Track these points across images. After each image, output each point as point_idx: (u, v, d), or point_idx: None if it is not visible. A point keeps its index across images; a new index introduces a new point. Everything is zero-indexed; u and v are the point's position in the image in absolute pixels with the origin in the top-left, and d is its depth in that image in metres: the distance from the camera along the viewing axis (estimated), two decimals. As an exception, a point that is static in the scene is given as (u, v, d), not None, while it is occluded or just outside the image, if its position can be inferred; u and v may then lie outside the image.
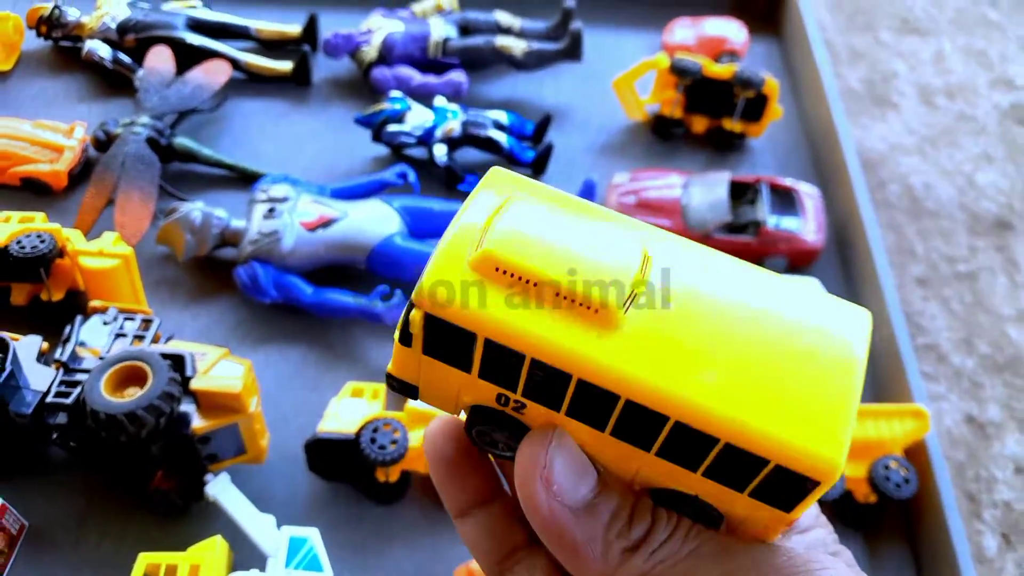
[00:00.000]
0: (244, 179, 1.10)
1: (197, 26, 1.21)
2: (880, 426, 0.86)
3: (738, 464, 0.30)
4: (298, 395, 0.93)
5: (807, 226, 1.04)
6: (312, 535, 0.76)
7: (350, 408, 0.84)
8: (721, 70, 1.12)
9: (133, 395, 0.70)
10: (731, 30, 1.28)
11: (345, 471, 0.84)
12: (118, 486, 0.83)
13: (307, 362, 0.96)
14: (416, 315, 0.32)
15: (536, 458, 0.33)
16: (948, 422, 1.07)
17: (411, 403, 0.83)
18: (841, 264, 1.09)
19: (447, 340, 0.32)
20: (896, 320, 0.97)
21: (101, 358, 0.77)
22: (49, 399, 0.73)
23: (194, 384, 0.75)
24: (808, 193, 1.08)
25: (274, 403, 0.92)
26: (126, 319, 0.82)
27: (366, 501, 0.86)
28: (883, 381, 0.98)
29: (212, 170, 1.11)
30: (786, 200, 1.07)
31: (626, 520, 0.34)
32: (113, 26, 1.17)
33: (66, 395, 0.74)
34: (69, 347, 0.77)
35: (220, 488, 0.78)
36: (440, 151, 1.10)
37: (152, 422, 0.69)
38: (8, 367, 0.74)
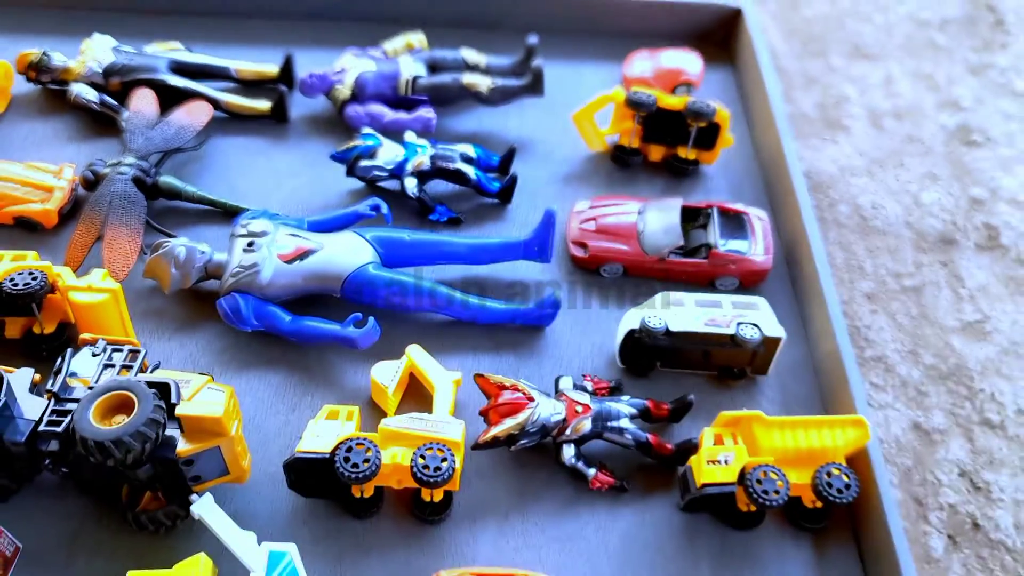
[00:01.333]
0: (226, 214, 1.16)
1: (179, 68, 1.28)
2: (823, 436, 0.92)
3: None
4: (278, 417, 0.99)
5: (755, 248, 1.11)
6: (290, 550, 0.81)
7: (326, 429, 0.89)
8: (674, 102, 1.19)
9: (121, 422, 0.76)
10: (687, 61, 1.35)
11: (323, 488, 0.89)
12: (107, 508, 0.88)
13: (287, 386, 1.01)
14: None
15: None
16: (895, 429, 1.14)
17: (384, 423, 0.89)
18: (790, 283, 1.16)
19: None
20: (840, 335, 1.04)
21: (90, 388, 0.82)
22: (41, 428, 0.79)
23: (179, 410, 0.80)
24: (757, 216, 1.15)
25: (256, 425, 0.97)
26: (114, 350, 0.88)
27: (343, 516, 0.91)
28: (829, 393, 1.04)
29: (197, 206, 1.17)
30: (736, 223, 1.13)
31: None
32: (99, 70, 1.24)
33: (57, 424, 0.79)
34: (60, 378, 0.83)
35: (204, 508, 0.83)
36: (411, 184, 1.16)
37: (138, 447, 0.74)
38: (3, 398, 0.79)
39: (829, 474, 0.89)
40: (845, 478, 0.90)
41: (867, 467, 0.95)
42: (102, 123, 1.25)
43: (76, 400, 0.81)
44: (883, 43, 1.66)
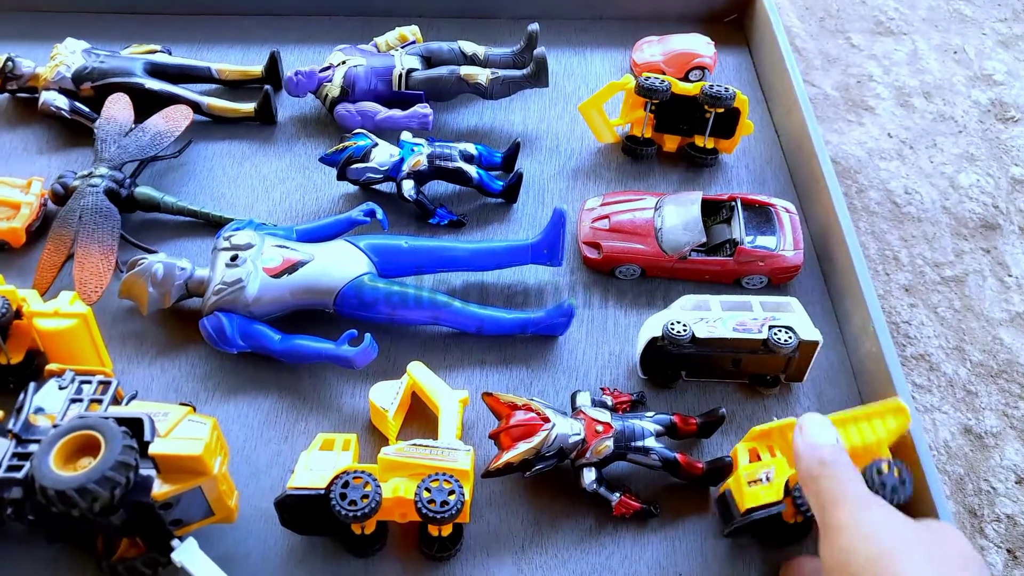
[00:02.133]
0: (210, 225, 1.08)
1: (156, 71, 1.19)
2: (863, 431, 0.80)
3: None
4: (270, 447, 0.90)
5: (785, 243, 1.02)
6: (283, 599, 0.73)
7: (320, 461, 0.81)
8: (689, 88, 1.10)
9: (87, 466, 0.67)
10: (699, 45, 1.26)
11: (320, 525, 0.81)
12: (82, 556, 0.80)
13: (278, 411, 0.93)
14: None
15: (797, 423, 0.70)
16: (944, 434, 1.04)
17: (383, 452, 0.81)
18: (822, 278, 1.07)
19: None
20: (881, 335, 0.94)
21: (55, 426, 0.74)
22: (0, 474, 0.71)
23: (153, 449, 0.72)
24: (785, 208, 1.06)
25: (246, 456, 0.89)
26: (83, 382, 0.79)
27: (343, 555, 0.83)
28: (871, 397, 0.95)
29: (177, 217, 1.09)
30: (762, 217, 1.04)
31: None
32: (69, 75, 1.15)
33: (18, 469, 0.71)
34: (22, 417, 0.75)
35: (186, 554, 0.75)
36: (408, 186, 1.08)
37: (106, 495, 0.66)
38: (-42, 442, 0.71)
39: (879, 471, 0.78)
40: (897, 473, 0.79)
41: (919, 478, 0.86)
42: (75, 132, 1.17)
43: (40, 441, 0.73)
44: (906, 17, 1.57)
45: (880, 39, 1.53)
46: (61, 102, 1.14)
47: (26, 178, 1.07)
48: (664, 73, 1.20)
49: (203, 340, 0.96)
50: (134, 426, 0.73)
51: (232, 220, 1.04)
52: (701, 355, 0.91)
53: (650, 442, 0.85)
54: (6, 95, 1.19)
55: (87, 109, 1.15)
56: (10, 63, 1.15)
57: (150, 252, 1.02)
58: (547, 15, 1.33)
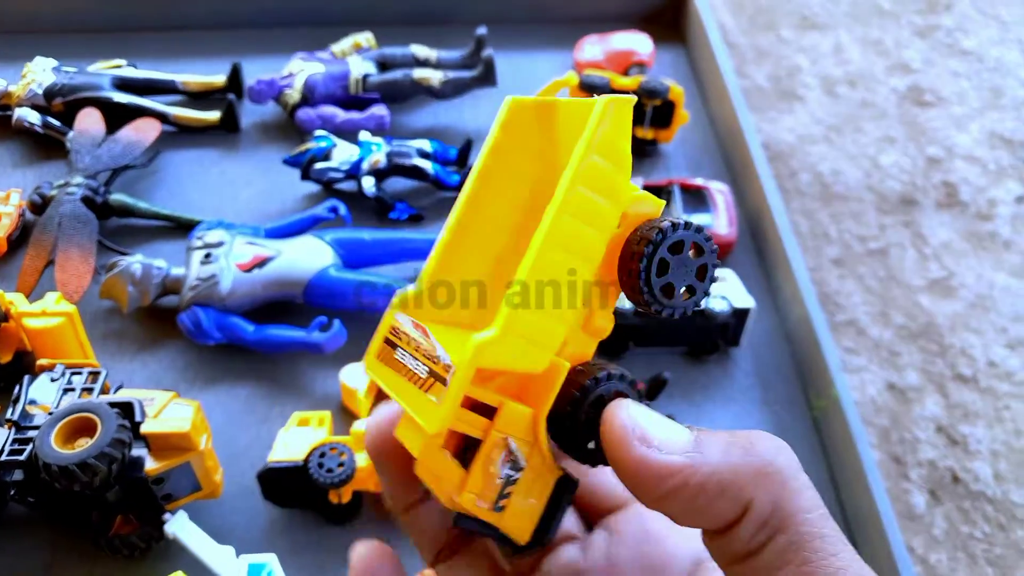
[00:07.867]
0: (182, 228, 1.14)
1: (123, 85, 1.25)
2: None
3: None
4: (249, 430, 0.97)
5: (719, 221, 1.11)
6: (270, 560, 0.80)
7: (298, 437, 0.88)
8: (628, 82, 1.19)
9: (85, 445, 0.74)
10: (638, 42, 1.35)
11: (299, 497, 0.88)
12: (80, 535, 0.86)
13: (255, 397, 1.00)
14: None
15: (625, 423, 0.34)
16: (871, 391, 1.14)
17: (356, 426, 0.88)
18: (756, 254, 1.16)
19: None
20: (809, 302, 1.04)
21: (50, 414, 0.80)
22: (3, 458, 0.77)
23: (144, 428, 0.78)
24: (718, 189, 1.15)
25: (227, 440, 0.95)
26: (73, 374, 0.85)
27: (322, 524, 0.89)
28: (803, 359, 1.04)
29: (151, 222, 1.15)
30: (698, 199, 1.13)
31: None
32: (40, 92, 1.21)
33: (19, 452, 0.77)
34: (19, 407, 0.81)
35: (178, 526, 0.81)
36: (368, 183, 1.15)
37: (104, 469, 0.72)
38: (-40, 432, 0.77)
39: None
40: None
41: (845, 430, 0.95)
42: (48, 146, 1.22)
43: (37, 427, 0.79)
44: (831, 12, 1.68)
45: (807, 33, 1.63)
46: (34, 118, 1.19)
47: (3, 191, 1.13)
48: (605, 70, 1.29)
49: (181, 335, 1.02)
50: (125, 409, 0.79)
51: (202, 222, 1.10)
52: (646, 325, 1.00)
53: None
54: (-22, 113, 1.24)
55: (59, 123, 1.20)
56: (-18, 82, 1.20)
57: (125, 255, 1.07)
58: (495, 19, 1.41)
